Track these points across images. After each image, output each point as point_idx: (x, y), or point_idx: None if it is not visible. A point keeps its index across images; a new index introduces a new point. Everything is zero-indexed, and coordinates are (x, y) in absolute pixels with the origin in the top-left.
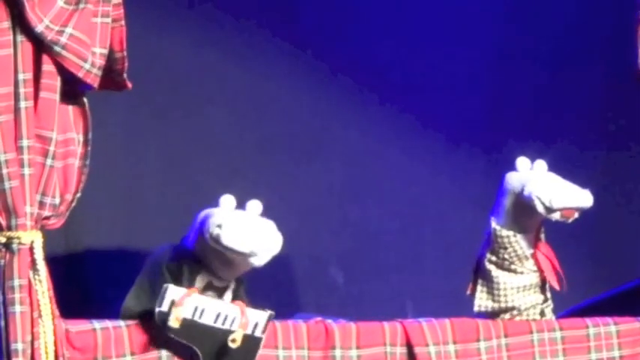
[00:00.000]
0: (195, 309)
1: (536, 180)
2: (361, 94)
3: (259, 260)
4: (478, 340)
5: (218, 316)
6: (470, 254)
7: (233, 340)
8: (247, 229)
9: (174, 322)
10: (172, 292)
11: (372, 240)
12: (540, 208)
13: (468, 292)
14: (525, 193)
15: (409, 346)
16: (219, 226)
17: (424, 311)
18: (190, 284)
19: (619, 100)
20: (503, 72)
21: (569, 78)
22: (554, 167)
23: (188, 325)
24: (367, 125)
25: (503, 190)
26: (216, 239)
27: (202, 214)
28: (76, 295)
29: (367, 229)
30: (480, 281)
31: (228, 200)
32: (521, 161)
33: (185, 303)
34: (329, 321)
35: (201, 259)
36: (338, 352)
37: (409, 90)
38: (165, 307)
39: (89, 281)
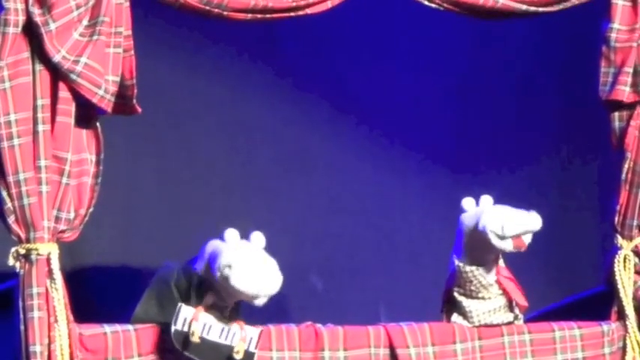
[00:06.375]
0: (204, 325)
1: (487, 214)
2: (338, 116)
3: (261, 301)
4: (454, 343)
5: (222, 331)
6: (436, 264)
7: (237, 352)
8: (255, 274)
9: (196, 338)
10: (185, 310)
11: (349, 250)
12: (495, 240)
13: (444, 321)
14: (479, 228)
15: (392, 348)
16: (229, 266)
17: (396, 314)
18: (197, 303)
19: (573, 123)
20: (469, 98)
21: (528, 103)
22: (515, 184)
23: (201, 341)
24: (344, 145)
25: (460, 230)
26: (226, 279)
27: (211, 245)
28: (79, 301)
29: (344, 240)
30: (454, 312)
31: (232, 234)
32: (467, 201)
33: (199, 318)
34: (318, 325)
35: (208, 284)
36: (327, 354)
37: (383, 113)
38: (179, 326)
39: (90, 288)
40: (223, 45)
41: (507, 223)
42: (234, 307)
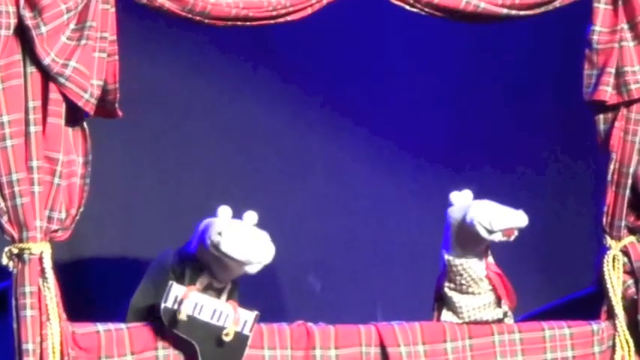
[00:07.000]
0: (195, 305)
1: (475, 208)
2: (336, 117)
3: (252, 269)
4: (445, 341)
5: (214, 312)
6: (433, 264)
7: (226, 334)
8: (245, 240)
9: (183, 316)
10: (176, 289)
11: (346, 251)
12: (483, 232)
13: (434, 319)
14: (467, 220)
15: (382, 347)
16: (219, 233)
17: (392, 314)
18: (191, 283)
19: (568, 124)
20: (465, 99)
21: (524, 105)
22: (511, 184)
23: (190, 320)
24: (341, 146)
25: (448, 224)
26: (216, 246)
27: (204, 222)
28: (79, 299)
29: (342, 241)
30: (444, 308)
31: (225, 210)
32: (455, 195)
33: (189, 297)
34: (310, 324)
35: (202, 263)
36: (318, 352)
37: (380, 114)
38: (169, 303)
39: (90, 287)
40: (221, 47)
41: (495, 217)
42: (231, 290)
